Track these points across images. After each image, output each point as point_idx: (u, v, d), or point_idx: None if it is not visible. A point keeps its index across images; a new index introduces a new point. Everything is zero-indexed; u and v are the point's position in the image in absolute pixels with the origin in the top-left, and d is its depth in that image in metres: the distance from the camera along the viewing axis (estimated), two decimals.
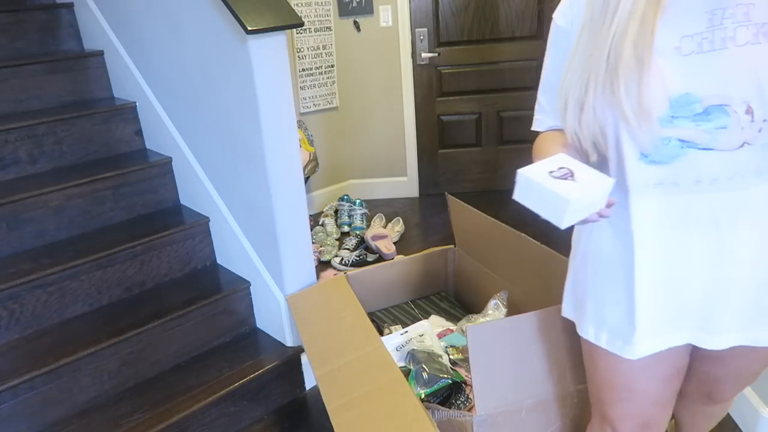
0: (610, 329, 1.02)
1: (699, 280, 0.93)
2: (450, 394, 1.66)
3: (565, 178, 0.83)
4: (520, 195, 0.86)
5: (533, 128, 1.08)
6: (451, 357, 1.79)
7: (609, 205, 0.85)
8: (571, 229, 1.01)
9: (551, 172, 0.84)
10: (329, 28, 3.39)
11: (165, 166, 2.22)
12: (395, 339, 1.86)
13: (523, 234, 1.74)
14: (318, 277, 2.12)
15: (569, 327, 1.15)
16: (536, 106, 1.08)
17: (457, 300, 2.22)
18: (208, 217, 2.15)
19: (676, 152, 0.87)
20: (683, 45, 0.84)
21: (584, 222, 0.86)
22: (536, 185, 0.83)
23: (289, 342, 2.01)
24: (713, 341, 0.96)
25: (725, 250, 0.91)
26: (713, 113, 0.84)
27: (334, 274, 2.64)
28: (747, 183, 0.87)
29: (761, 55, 0.80)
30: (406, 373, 1.66)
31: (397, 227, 3.22)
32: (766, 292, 0.93)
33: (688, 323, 0.97)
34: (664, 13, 0.85)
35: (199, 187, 2.14)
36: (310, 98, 3.43)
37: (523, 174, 0.84)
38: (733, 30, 0.81)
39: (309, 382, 2.03)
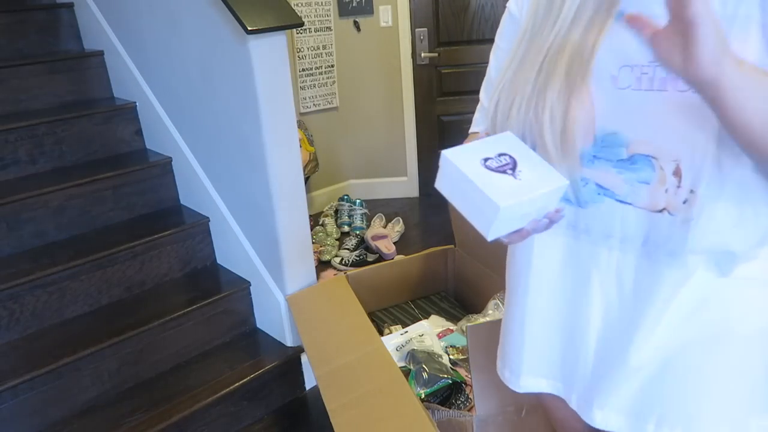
0: (504, 355, 1.00)
1: (591, 339, 0.85)
2: (450, 394, 1.66)
3: (503, 171, 0.64)
4: (442, 184, 0.67)
5: (471, 129, 0.95)
6: (451, 357, 1.79)
7: (556, 213, 0.71)
8: None
9: (486, 159, 0.65)
10: (329, 28, 3.39)
11: (165, 166, 2.22)
12: (395, 339, 1.86)
13: None
14: (318, 277, 2.12)
15: None
16: (478, 105, 0.94)
17: (457, 300, 2.22)
18: (208, 217, 2.15)
19: (592, 197, 0.78)
20: (621, 76, 0.71)
21: (519, 236, 0.71)
22: (461, 177, 0.63)
23: (289, 342, 2.01)
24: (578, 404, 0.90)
25: (623, 319, 0.81)
26: (638, 163, 0.72)
27: (334, 274, 2.64)
28: (658, 257, 0.75)
29: (702, 110, 0.62)
30: (406, 373, 1.66)
31: (397, 227, 3.22)
32: (610, 375, 0.84)
33: (571, 377, 0.90)
34: (609, 32, 0.72)
35: (199, 187, 2.14)
36: (310, 98, 3.43)
37: (448, 158, 0.64)
38: None
39: (309, 382, 2.03)
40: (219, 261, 2.21)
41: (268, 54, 1.66)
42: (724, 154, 0.67)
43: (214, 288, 2.05)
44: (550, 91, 0.73)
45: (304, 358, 1.99)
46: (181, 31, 1.90)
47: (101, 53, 2.34)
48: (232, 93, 1.78)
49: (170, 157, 2.22)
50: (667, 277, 0.75)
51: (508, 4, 0.87)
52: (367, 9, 3.40)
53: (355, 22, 3.43)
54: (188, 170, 2.16)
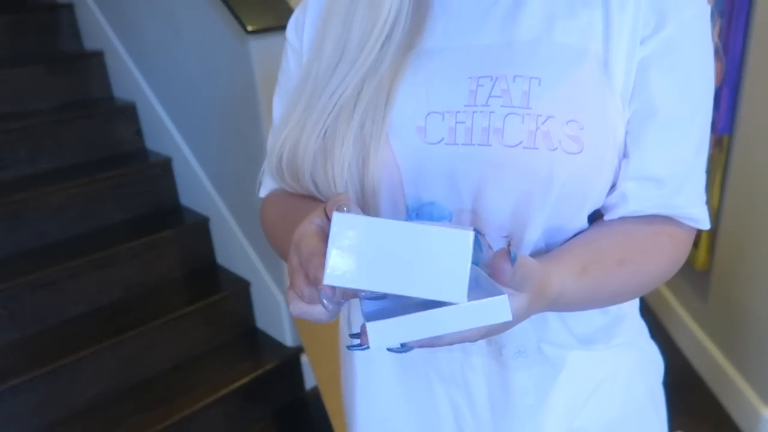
0: None
1: None
2: None
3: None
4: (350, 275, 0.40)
5: (260, 194, 0.72)
6: None
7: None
8: None
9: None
10: None
11: (165, 166, 2.22)
12: None
13: None
14: None
15: None
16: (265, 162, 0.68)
17: None
18: (208, 217, 2.15)
19: None
20: (429, 127, 0.54)
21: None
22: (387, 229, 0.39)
23: (289, 342, 2.01)
24: None
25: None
26: None
27: None
28: (507, 356, 0.61)
29: (536, 169, 0.51)
30: None
31: None
32: None
33: None
34: (411, 68, 0.56)
35: (199, 187, 2.14)
36: None
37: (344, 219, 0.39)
38: (501, 118, 0.52)
39: (309, 382, 2.03)
40: (219, 261, 2.21)
41: (268, 54, 1.66)
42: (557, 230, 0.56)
43: (214, 288, 2.05)
44: (340, 149, 0.55)
45: (304, 358, 1.99)
46: (181, 31, 1.90)
47: (101, 53, 2.34)
48: (232, 93, 1.78)
49: (170, 157, 2.22)
50: (525, 378, 0.62)
51: (287, 33, 0.70)
52: None
53: None
54: (188, 170, 2.16)
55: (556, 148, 0.51)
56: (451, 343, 0.42)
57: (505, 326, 0.45)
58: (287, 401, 1.99)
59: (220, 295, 2.00)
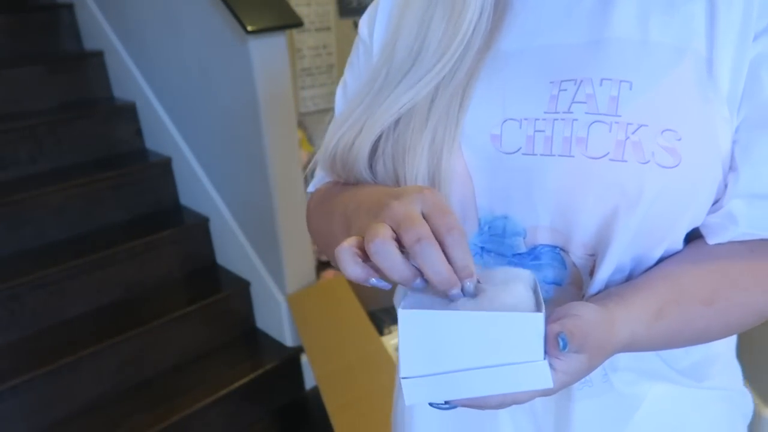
0: None
1: None
2: None
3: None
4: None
5: (309, 189, 0.69)
6: None
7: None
8: None
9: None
10: (329, 28, 3.39)
11: (165, 166, 2.22)
12: (395, 339, 1.86)
13: None
14: (318, 277, 2.11)
15: None
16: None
17: None
18: (208, 217, 2.15)
19: None
20: (505, 135, 0.50)
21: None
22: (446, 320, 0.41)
23: (289, 342, 2.01)
24: None
25: None
26: (543, 257, 0.52)
27: (334, 274, 2.64)
28: (581, 387, 0.55)
29: (623, 184, 0.46)
30: None
31: None
32: None
33: None
34: (486, 70, 0.52)
35: (199, 187, 2.14)
36: (310, 98, 3.42)
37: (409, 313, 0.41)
38: (585, 126, 0.47)
39: (309, 382, 2.03)
40: (219, 261, 2.21)
41: (268, 54, 1.66)
42: (652, 247, 0.50)
43: (214, 288, 2.05)
44: (412, 158, 0.52)
45: (304, 358, 1.99)
46: (181, 31, 1.90)
47: (101, 53, 2.34)
48: (232, 93, 1.78)
49: (170, 157, 2.22)
50: (590, 411, 0.56)
51: (359, 27, 0.65)
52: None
53: (355, 23, 3.43)
54: (188, 170, 2.16)
55: (648, 161, 0.46)
56: (500, 406, 0.41)
57: (552, 390, 0.42)
58: (287, 401, 1.99)
59: (220, 295, 2.00)
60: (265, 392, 1.91)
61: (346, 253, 0.41)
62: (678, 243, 0.51)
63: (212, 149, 2.02)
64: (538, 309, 0.41)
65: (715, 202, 0.49)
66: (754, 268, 0.49)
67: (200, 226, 2.14)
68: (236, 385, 1.82)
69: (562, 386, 0.42)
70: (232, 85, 1.76)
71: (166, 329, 1.88)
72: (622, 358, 0.54)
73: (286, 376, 1.97)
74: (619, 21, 0.49)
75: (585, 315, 0.42)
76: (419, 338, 0.40)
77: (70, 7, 2.40)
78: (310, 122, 3.45)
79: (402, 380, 0.40)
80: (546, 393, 0.41)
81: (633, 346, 0.46)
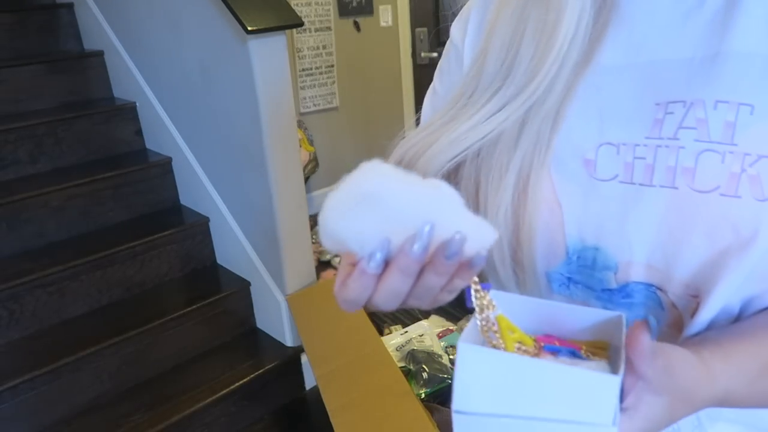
0: None
1: None
2: (450, 394, 1.67)
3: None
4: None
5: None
6: (451, 357, 1.79)
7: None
8: None
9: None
10: (329, 28, 3.39)
11: (165, 166, 2.22)
12: (395, 339, 1.87)
13: None
14: (318, 277, 2.11)
15: None
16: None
17: (457, 300, 2.22)
18: (208, 217, 2.15)
19: None
20: (600, 160, 0.46)
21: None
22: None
23: (289, 342, 2.01)
24: None
25: None
26: (635, 296, 0.47)
27: (334, 274, 2.64)
28: None
29: (735, 222, 0.41)
30: (406, 373, 1.66)
31: None
32: None
33: None
34: (582, 89, 0.47)
35: (199, 187, 2.14)
36: (310, 98, 3.42)
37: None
38: (694, 155, 0.42)
39: (309, 382, 2.03)
40: (219, 261, 2.21)
41: (268, 54, 1.66)
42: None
43: (214, 288, 2.05)
44: (495, 181, 0.48)
45: (304, 358, 1.99)
46: (181, 31, 1.90)
47: (101, 53, 2.34)
48: (232, 93, 1.78)
49: (170, 157, 2.22)
50: None
51: (451, 30, 0.60)
52: (367, 9, 3.40)
53: (355, 22, 3.43)
54: (188, 170, 2.16)
55: (766, 198, 0.40)
56: None
57: None
58: (287, 401, 1.99)
59: (220, 295, 2.00)
60: (265, 392, 1.91)
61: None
62: None
63: (212, 149, 2.02)
64: (615, 369, 0.37)
65: None
66: None
67: (200, 226, 2.14)
68: (236, 385, 1.82)
69: None
70: (232, 85, 1.76)
71: (166, 329, 1.88)
72: (726, 409, 0.46)
73: (286, 376, 1.97)
74: (744, 31, 0.42)
75: (679, 351, 0.38)
76: (478, 375, 0.38)
77: (70, 7, 2.41)
78: (310, 122, 3.45)
79: (454, 413, 0.38)
80: None
81: (727, 402, 0.40)
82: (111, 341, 1.76)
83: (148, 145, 2.34)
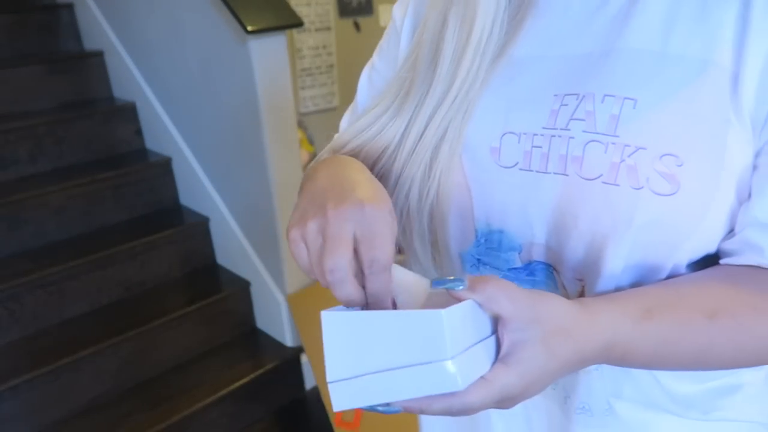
0: None
1: None
2: None
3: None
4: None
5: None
6: None
7: None
8: None
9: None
10: (329, 28, 3.39)
11: (165, 166, 2.22)
12: None
13: None
14: None
15: None
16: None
17: None
18: (208, 217, 2.15)
19: None
20: (504, 148, 0.49)
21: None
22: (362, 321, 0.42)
23: (289, 342, 2.01)
24: None
25: None
26: (537, 274, 0.51)
27: None
28: (567, 404, 0.54)
29: (613, 208, 0.44)
30: None
31: None
32: None
33: None
34: (496, 77, 0.50)
35: (199, 187, 2.14)
36: (310, 98, 3.42)
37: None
38: (581, 145, 0.45)
39: (309, 382, 2.03)
40: (219, 261, 2.21)
41: (268, 54, 1.66)
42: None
43: (214, 288, 2.05)
44: (416, 162, 0.51)
45: (304, 358, 1.99)
46: (181, 31, 1.90)
47: (101, 53, 2.34)
48: (232, 93, 1.78)
49: (170, 157, 2.22)
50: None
51: (392, 11, 0.62)
52: (367, 9, 3.40)
53: (355, 22, 3.43)
54: (188, 170, 2.16)
55: (641, 187, 0.43)
56: (422, 411, 0.38)
57: (511, 400, 0.38)
58: (287, 401, 1.99)
59: (220, 295, 2.00)
60: (265, 392, 1.91)
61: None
62: (681, 272, 0.47)
63: (212, 149, 2.02)
64: None
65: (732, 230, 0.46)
66: None
67: (200, 226, 2.14)
68: (236, 385, 1.82)
69: (523, 384, 0.38)
70: (232, 85, 1.76)
71: (166, 329, 1.88)
72: (627, 388, 0.51)
73: (286, 376, 1.97)
74: (639, 29, 0.45)
75: (538, 292, 0.40)
76: (341, 340, 0.40)
77: (70, 7, 2.40)
78: (310, 122, 3.45)
79: (329, 386, 0.40)
80: (500, 406, 0.39)
81: (617, 346, 0.41)
82: (111, 341, 1.76)
83: (148, 145, 2.34)
